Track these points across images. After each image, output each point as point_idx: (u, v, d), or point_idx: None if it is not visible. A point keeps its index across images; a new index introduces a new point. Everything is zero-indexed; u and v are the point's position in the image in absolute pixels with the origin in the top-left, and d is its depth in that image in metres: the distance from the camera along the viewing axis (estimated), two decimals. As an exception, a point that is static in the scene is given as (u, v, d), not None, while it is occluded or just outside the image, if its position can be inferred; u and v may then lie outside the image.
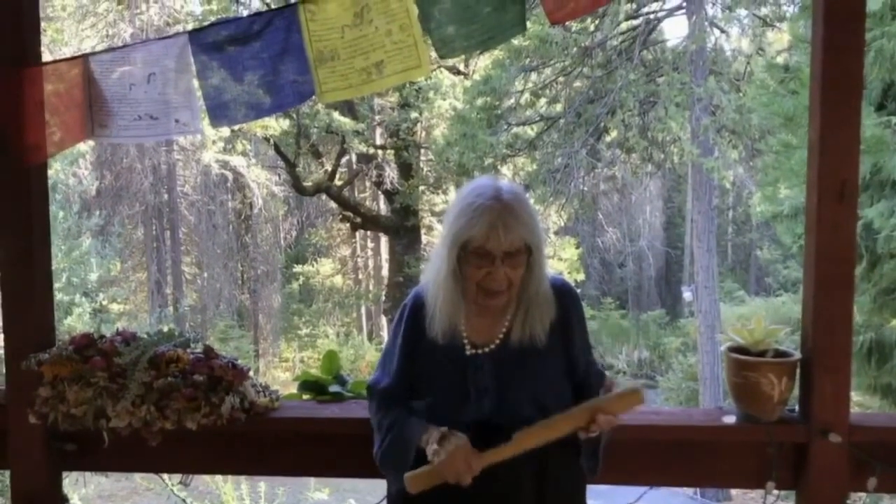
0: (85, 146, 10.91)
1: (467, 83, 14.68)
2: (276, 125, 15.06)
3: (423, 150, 16.54)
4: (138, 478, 8.64)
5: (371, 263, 21.35)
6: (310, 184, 16.84)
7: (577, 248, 19.75)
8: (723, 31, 13.68)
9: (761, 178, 10.29)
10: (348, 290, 20.83)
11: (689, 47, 12.13)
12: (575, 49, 12.74)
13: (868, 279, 6.28)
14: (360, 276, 21.62)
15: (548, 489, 1.70)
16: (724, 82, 12.59)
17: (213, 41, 1.83)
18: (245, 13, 11.35)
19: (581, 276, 18.89)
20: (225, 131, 14.25)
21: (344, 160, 17.26)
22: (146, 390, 1.96)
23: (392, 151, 16.58)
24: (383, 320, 18.66)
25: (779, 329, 1.97)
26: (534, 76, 13.93)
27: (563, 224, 17.38)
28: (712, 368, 12.43)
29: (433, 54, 1.89)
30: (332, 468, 2.27)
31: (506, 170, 14.56)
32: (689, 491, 11.44)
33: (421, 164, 16.76)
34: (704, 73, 12.16)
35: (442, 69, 14.97)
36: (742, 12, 13.10)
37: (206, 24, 2.18)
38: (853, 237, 1.90)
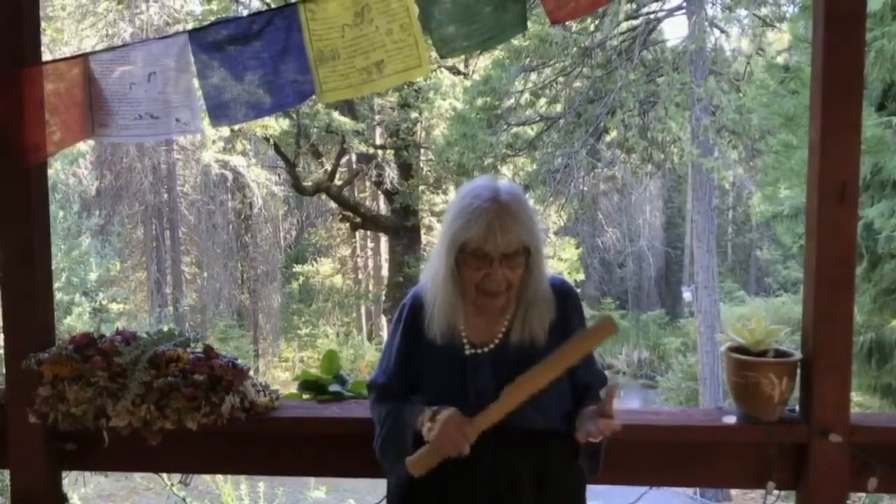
0: (85, 146, 10.90)
1: (467, 83, 14.67)
2: (275, 125, 15.06)
3: (422, 150, 16.54)
4: (138, 477, 8.63)
5: (371, 263, 21.35)
6: (310, 184, 16.83)
7: (577, 248, 19.75)
8: (723, 32, 13.68)
9: (761, 179, 10.27)
10: (348, 290, 20.83)
11: (688, 47, 12.13)
12: (575, 49, 12.75)
13: (868, 279, 6.27)
14: (360, 276, 21.61)
15: (548, 489, 1.69)
16: (724, 82, 12.58)
17: (214, 40, 1.82)
18: (245, 13, 11.32)
19: (581, 277, 18.90)
20: (225, 131, 14.25)
21: (344, 160, 17.26)
22: (146, 390, 1.96)
23: (392, 151, 16.58)
24: (383, 320, 18.66)
25: (779, 329, 1.96)
26: (534, 76, 13.93)
27: (562, 224, 17.37)
28: (712, 368, 12.41)
29: (433, 54, 1.89)
30: (332, 468, 2.26)
31: (506, 170, 14.56)
32: (689, 491, 11.43)
33: (421, 164, 16.76)
34: (704, 73, 12.15)
35: (442, 69, 14.97)
36: (742, 12, 13.09)
37: (206, 23, 2.17)
38: (854, 237, 1.89)
